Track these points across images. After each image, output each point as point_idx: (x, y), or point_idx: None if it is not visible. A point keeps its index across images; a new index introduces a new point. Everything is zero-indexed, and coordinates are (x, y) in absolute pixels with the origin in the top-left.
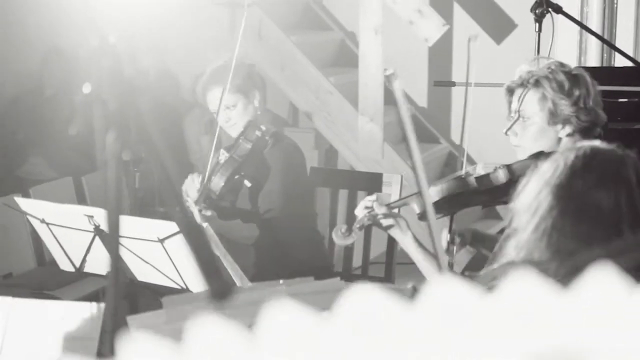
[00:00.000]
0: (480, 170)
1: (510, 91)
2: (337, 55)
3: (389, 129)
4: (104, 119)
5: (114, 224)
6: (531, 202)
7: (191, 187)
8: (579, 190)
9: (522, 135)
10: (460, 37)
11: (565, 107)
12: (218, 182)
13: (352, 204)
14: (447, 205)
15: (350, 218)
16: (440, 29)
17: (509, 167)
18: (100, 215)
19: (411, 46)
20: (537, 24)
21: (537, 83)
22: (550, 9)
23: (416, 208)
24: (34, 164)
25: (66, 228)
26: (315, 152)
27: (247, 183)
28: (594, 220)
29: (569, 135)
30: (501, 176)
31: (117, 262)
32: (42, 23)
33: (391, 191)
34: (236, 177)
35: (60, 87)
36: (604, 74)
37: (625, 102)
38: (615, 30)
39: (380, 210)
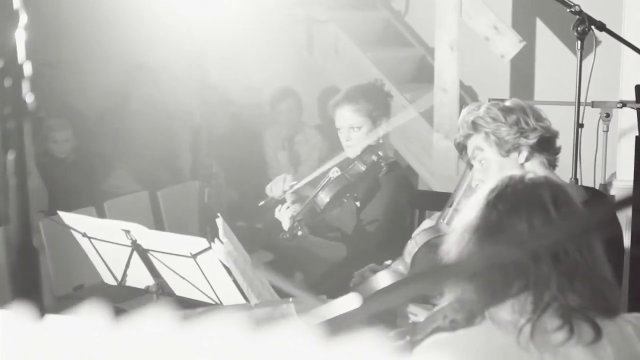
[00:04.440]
0: None
1: (461, 147)
2: (417, 71)
3: None
4: (2, 139)
5: (12, 247)
6: (461, 226)
7: (278, 186)
8: (494, 219)
9: (486, 178)
10: (542, 53)
11: (506, 133)
12: (324, 198)
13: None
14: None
15: None
16: (517, 45)
17: None
18: (136, 230)
19: (493, 62)
20: (579, 42)
21: (474, 126)
22: (592, 27)
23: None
24: (118, 177)
25: (106, 242)
26: None
27: (357, 204)
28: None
29: (527, 159)
30: None
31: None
32: (128, 39)
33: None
34: (347, 195)
35: (146, 101)
36: None
37: None
38: None
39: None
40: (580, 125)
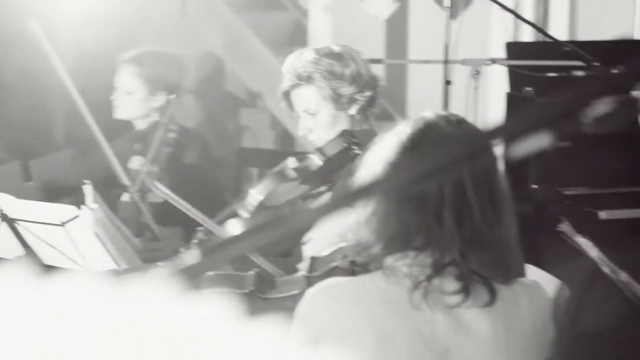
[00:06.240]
0: (293, 163)
1: (287, 94)
2: (293, 34)
3: None
4: None
5: None
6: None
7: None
8: (407, 158)
9: (316, 129)
10: (416, 13)
11: (345, 89)
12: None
13: None
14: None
15: None
16: (391, 5)
17: (320, 150)
18: (2, 200)
19: (368, 23)
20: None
21: (308, 79)
22: None
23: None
24: None
25: None
26: (272, 132)
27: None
28: (415, 205)
29: (359, 112)
30: (315, 160)
31: None
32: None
33: None
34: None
35: (18, 72)
36: (536, 49)
37: (556, 76)
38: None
39: None
40: (447, 82)
